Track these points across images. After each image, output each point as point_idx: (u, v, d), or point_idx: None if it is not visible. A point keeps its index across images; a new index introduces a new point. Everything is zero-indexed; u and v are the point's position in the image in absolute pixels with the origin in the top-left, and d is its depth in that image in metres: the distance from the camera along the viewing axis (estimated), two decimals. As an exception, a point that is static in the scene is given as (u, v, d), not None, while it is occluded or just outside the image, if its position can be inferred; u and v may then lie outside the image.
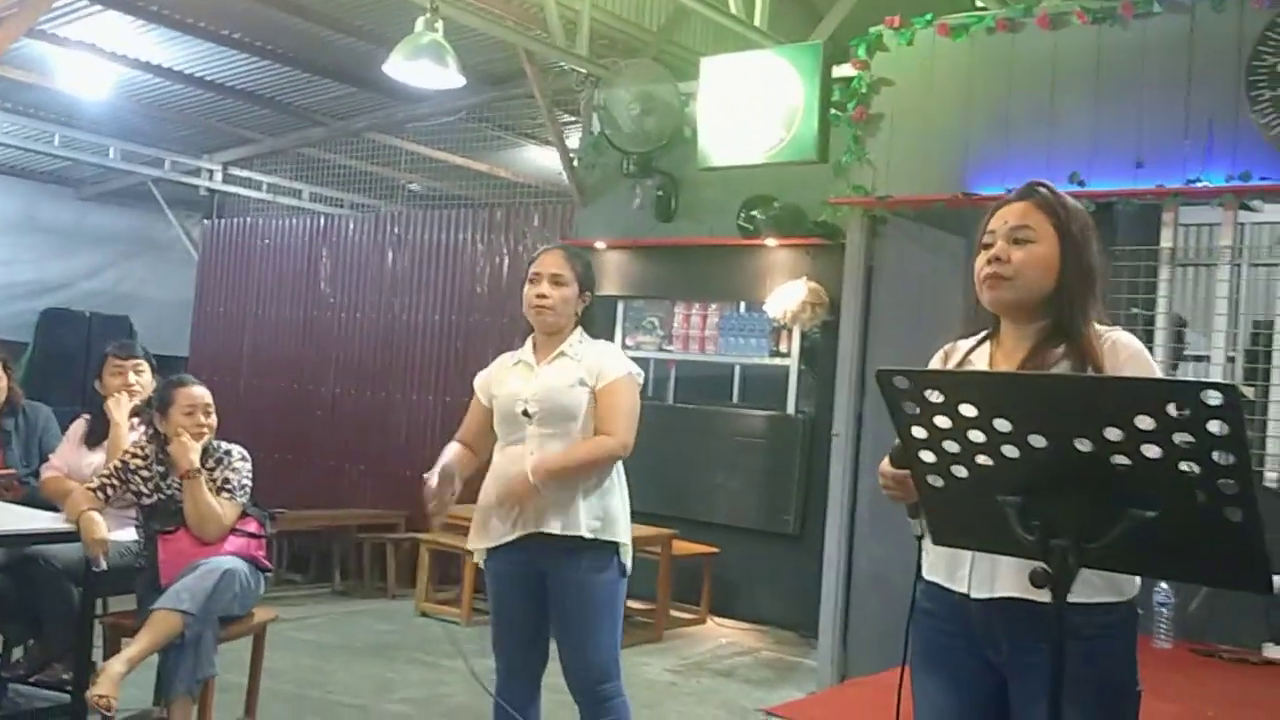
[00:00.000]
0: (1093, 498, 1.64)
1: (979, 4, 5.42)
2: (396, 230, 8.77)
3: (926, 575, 2.12)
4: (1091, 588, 1.95)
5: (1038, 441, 1.65)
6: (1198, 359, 4.81)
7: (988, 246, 2.11)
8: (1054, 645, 1.68)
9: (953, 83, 5.05)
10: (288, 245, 9.36)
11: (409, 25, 5.69)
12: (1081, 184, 4.64)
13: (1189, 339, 5.06)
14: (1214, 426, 1.50)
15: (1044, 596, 1.68)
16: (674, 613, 6.58)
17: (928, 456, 1.80)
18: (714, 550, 6.75)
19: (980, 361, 2.15)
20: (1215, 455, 1.52)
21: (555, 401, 3.06)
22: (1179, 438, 1.53)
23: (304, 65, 8.60)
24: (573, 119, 8.46)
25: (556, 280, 3.14)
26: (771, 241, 6.84)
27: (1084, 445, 1.61)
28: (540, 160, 10.14)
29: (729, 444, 7.07)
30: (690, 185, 7.18)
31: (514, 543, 3.07)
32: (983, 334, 2.18)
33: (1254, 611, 4.12)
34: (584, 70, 7.18)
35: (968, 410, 1.71)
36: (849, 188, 5.28)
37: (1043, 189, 2.14)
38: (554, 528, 3.02)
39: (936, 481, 1.82)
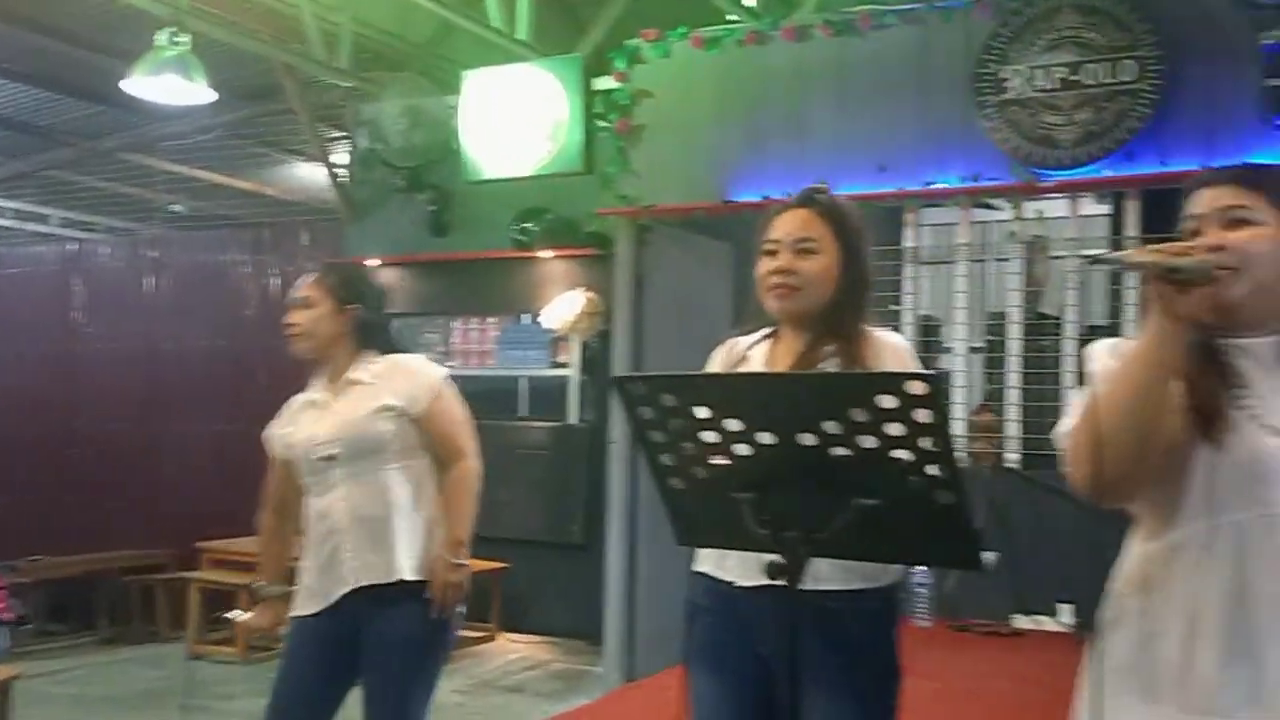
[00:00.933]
0: (819, 489, 1.70)
1: (731, 17, 5.59)
2: (156, 254, 8.34)
3: (698, 566, 2.16)
4: (851, 575, 2.02)
5: (766, 438, 1.70)
6: (944, 350, 5.09)
7: (771, 254, 2.14)
8: (788, 633, 1.74)
9: (709, 94, 5.19)
10: (35, 274, 8.76)
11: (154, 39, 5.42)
12: (830, 189, 4.82)
13: (945, 334, 5.34)
14: (920, 415, 1.58)
15: (807, 584, 1.73)
16: (463, 632, 6.47)
17: (667, 459, 1.83)
18: (503, 566, 6.70)
19: (758, 359, 2.19)
20: (923, 442, 1.60)
21: (358, 436, 2.76)
22: (890, 428, 1.60)
23: (44, 83, 8.06)
24: (340, 134, 8.26)
25: (304, 303, 2.85)
26: (546, 253, 6.87)
27: (807, 439, 1.67)
28: (310, 177, 9.85)
29: (514, 457, 7.03)
30: (463, 199, 7.13)
31: (328, 607, 2.77)
32: (765, 332, 2.23)
33: (1003, 586, 4.39)
34: (348, 84, 7.01)
35: (701, 412, 1.74)
36: (615, 198, 5.34)
37: (821, 196, 2.18)
38: (372, 576, 2.74)
39: (677, 483, 1.85)
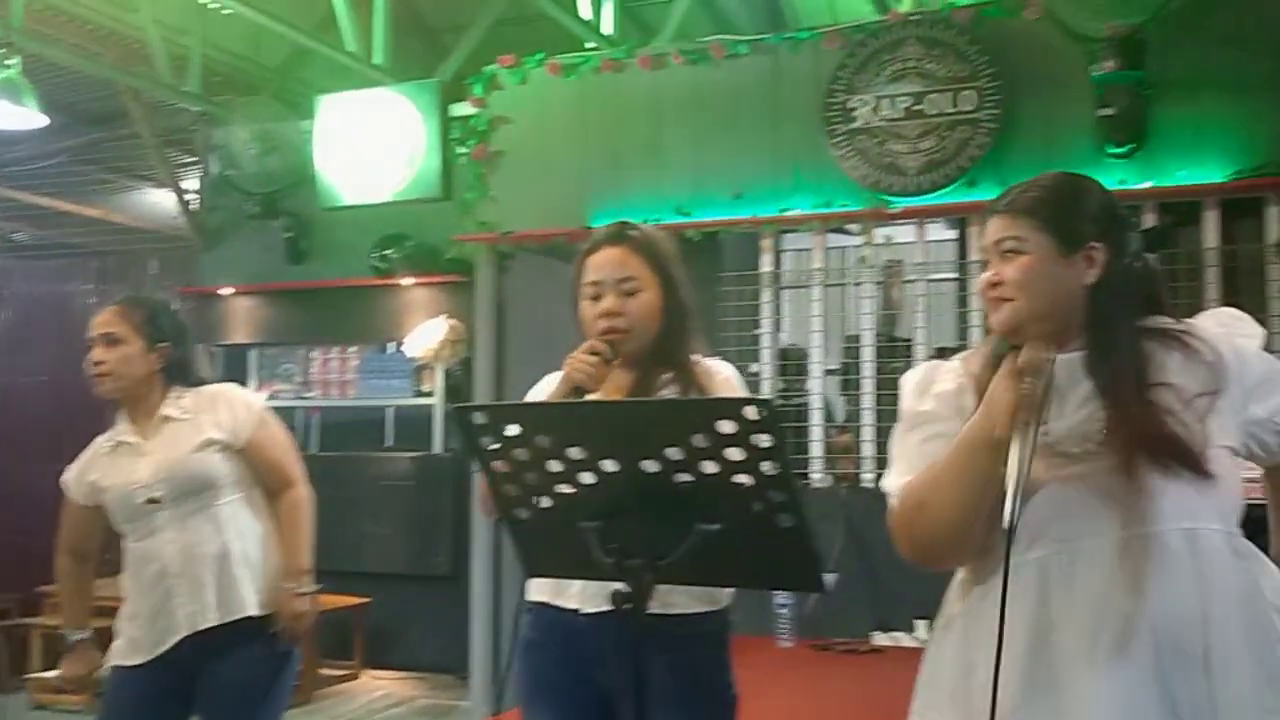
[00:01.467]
0: (663, 516, 1.69)
1: (589, 45, 5.62)
2: (-6, 284, 7.94)
3: (533, 596, 2.13)
4: (690, 598, 2.03)
5: (609, 466, 1.70)
6: (798, 373, 5.17)
7: (596, 298, 2.13)
8: (633, 665, 1.73)
9: (567, 120, 5.20)
10: None
11: (-15, 60, 5.16)
12: (687, 215, 4.89)
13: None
14: (759, 440, 1.59)
15: (652, 609, 1.73)
16: (325, 670, 6.31)
17: (511, 490, 1.81)
18: (365, 600, 6.54)
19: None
20: (764, 466, 1.62)
21: (184, 475, 2.67)
22: (731, 453, 1.61)
23: None
24: (191, 159, 8.01)
25: (109, 340, 2.70)
26: (407, 280, 6.77)
27: (651, 466, 1.67)
28: (159, 204, 9.50)
29: (377, 489, 6.90)
30: (321, 226, 6.98)
31: (155, 657, 2.64)
32: None
33: (862, 604, 4.47)
34: (197, 108, 6.81)
35: (543, 441, 1.73)
36: (474, 225, 5.30)
37: (634, 231, 2.19)
38: (212, 618, 2.64)
39: (522, 514, 1.83)
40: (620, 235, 2.16)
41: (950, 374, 1.73)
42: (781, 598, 4.38)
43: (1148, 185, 4.29)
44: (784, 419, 5.00)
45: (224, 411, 2.75)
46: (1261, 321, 4.14)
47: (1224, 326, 1.65)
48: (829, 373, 5.10)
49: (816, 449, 4.85)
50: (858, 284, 4.85)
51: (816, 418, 4.88)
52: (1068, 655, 1.52)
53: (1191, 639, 1.50)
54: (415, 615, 6.64)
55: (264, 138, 6.80)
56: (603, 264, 2.13)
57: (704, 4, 7.90)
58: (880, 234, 4.86)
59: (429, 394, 6.93)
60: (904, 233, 4.95)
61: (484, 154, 5.27)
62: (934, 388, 1.71)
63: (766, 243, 4.93)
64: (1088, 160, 4.38)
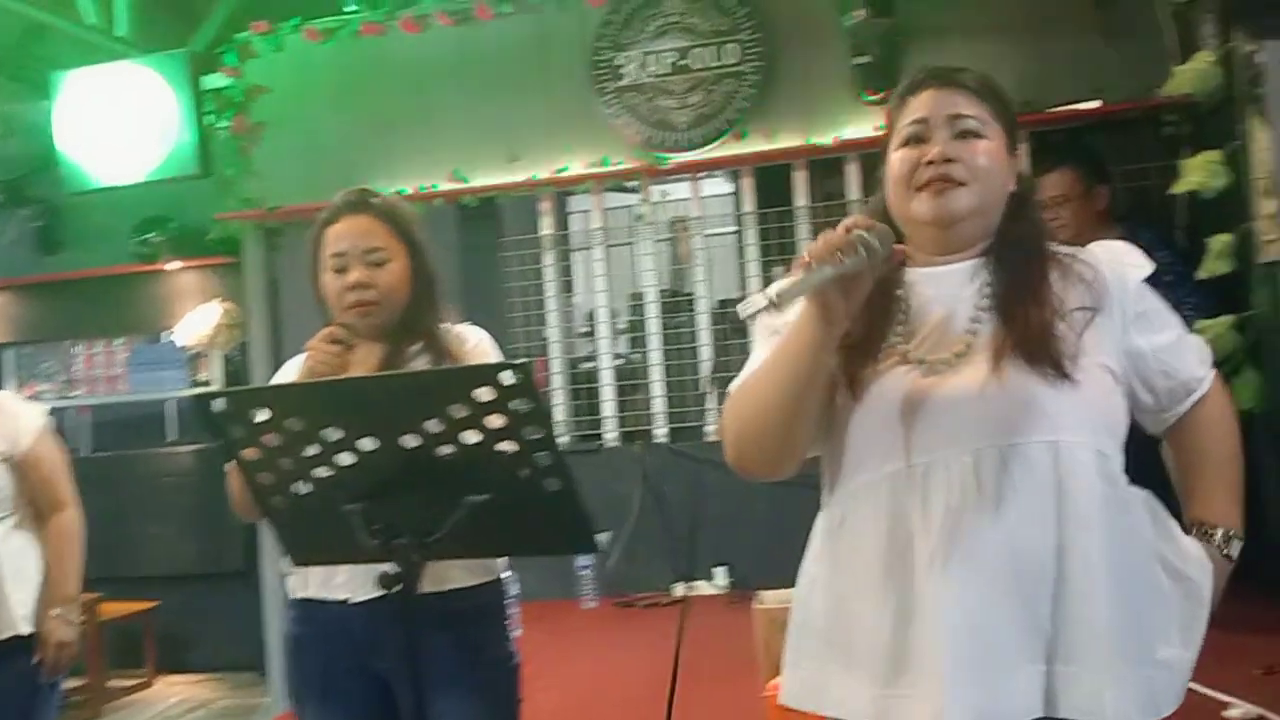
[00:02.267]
0: (429, 491, 1.64)
1: (349, 8, 5.40)
2: None
3: (296, 594, 2.04)
4: (465, 571, 1.99)
5: (368, 445, 1.63)
6: (585, 334, 5.17)
7: (340, 270, 2.04)
8: (409, 647, 1.68)
9: (330, 87, 4.99)
10: None
11: None
12: (464, 180, 4.79)
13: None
14: (518, 405, 1.55)
15: (425, 588, 1.67)
16: (114, 682, 5.96)
17: (266, 478, 1.72)
18: (154, 604, 6.21)
19: None
20: (526, 431, 1.58)
21: None
22: (491, 420, 1.57)
23: None
24: (-81, 147, 7.32)
25: None
26: (173, 265, 6.41)
27: (411, 441, 1.61)
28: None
29: (161, 487, 6.54)
30: (73, 212, 6.50)
31: None
32: None
33: (662, 557, 4.53)
34: (-82, 91, 6.22)
35: (296, 424, 1.65)
36: (238, 201, 5.05)
37: (376, 199, 2.11)
38: None
39: (280, 502, 1.74)
40: (362, 203, 2.07)
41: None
42: (582, 559, 4.39)
43: (903, 130, 4.44)
44: (579, 380, 5.01)
45: (5, 421, 2.64)
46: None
47: (1110, 254, 1.59)
48: (618, 332, 5.12)
49: (609, 409, 4.86)
50: (632, 243, 4.87)
51: (608, 377, 4.89)
52: (921, 571, 1.42)
53: (1046, 561, 1.41)
54: (209, 615, 6.35)
55: (2, 120, 6.28)
56: (346, 234, 2.04)
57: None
58: (657, 190, 4.88)
59: (206, 383, 6.60)
60: (681, 189, 4.99)
61: (243, 126, 5.01)
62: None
63: (545, 205, 4.88)
64: (847, 107, 4.51)
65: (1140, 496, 1.53)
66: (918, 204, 1.52)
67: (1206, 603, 1.52)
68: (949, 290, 1.52)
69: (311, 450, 1.65)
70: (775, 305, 1.35)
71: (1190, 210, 3.81)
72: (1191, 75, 3.30)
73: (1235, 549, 1.57)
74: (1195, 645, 1.50)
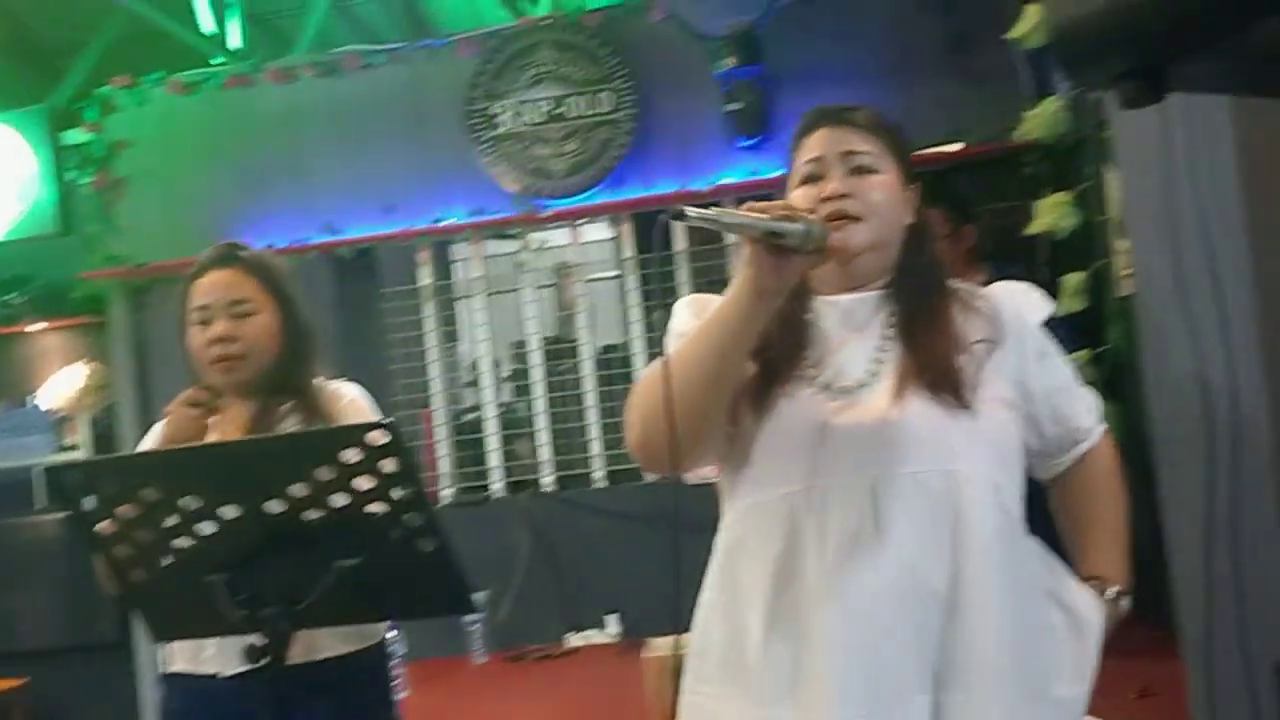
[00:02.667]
0: (297, 558, 1.59)
1: (217, 61, 5.31)
2: None
3: (168, 668, 1.96)
4: (338, 639, 1.93)
5: (230, 512, 1.58)
6: (469, 384, 5.12)
7: (205, 324, 2.00)
8: (283, 715, 1.62)
9: (196, 141, 4.88)
10: None
11: None
12: (338, 232, 4.72)
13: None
14: (387, 465, 1.52)
15: (298, 658, 1.61)
16: (-21, 768, 5.63)
17: (123, 551, 1.64)
18: (22, 682, 5.89)
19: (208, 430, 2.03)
20: (396, 492, 1.54)
21: None
22: (360, 482, 1.53)
23: None
24: None
25: None
26: (36, 326, 6.15)
27: (276, 507, 1.56)
28: None
29: (29, 557, 6.22)
30: (-74, 273, 6.21)
31: None
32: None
33: (553, 608, 4.48)
34: None
35: (150, 493, 1.59)
36: (103, 259, 4.89)
37: (244, 253, 2.08)
38: None
39: (140, 575, 1.67)
40: (228, 257, 2.04)
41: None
42: (473, 614, 4.31)
43: (778, 174, 4.51)
44: (464, 431, 4.95)
45: None
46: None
47: (1010, 292, 1.62)
48: (502, 380, 5.07)
49: (495, 459, 4.80)
50: (514, 290, 4.85)
51: (493, 427, 4.83)
52: (812, 598, 1.42)
53: (939, 590, 1.41)
54: (82, 690, 6.04)
55: None
56: (211, 288, 2.01)
57: (342, 13, 7.68)
58: (537, 238, 4.87)
59: (74, 447, 6.32)
60: (561, 235, 5.00)
61: (106, 182, 4.86)
62: (708, 311, 1.53)
63: (424, 255, 4.82)
64: (721, 153, 4.57)
65: (1021, 526, 1.52)
66: None
67: (1097, 641, 1.52)
68: (856, 320, 1.54)
69: (170, 520, 1.59)
70: (712, 222, 1.33)
71: (1050, 249, 3.96)
72: (1041, 119, 3.43)
73: (1126, 604, 1.58)
74: (1087, 683, 1.50)
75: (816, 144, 1.56)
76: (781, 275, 1.38)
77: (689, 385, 1.42)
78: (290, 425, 1.98)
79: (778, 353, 1.50)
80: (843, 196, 1.50)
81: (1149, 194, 2.34)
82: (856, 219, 1.50)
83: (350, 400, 2.05)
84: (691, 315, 1.58)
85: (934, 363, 1.47)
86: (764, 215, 1.35)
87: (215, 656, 1.90)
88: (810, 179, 1.54)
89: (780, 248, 1.36)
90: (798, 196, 1.54)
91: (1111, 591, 1.56)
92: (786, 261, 1.37)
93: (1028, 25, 3.15)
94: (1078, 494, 1.64)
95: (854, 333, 1.53)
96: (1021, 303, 1.60)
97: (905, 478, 1.42)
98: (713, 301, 1.51)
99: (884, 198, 1.53)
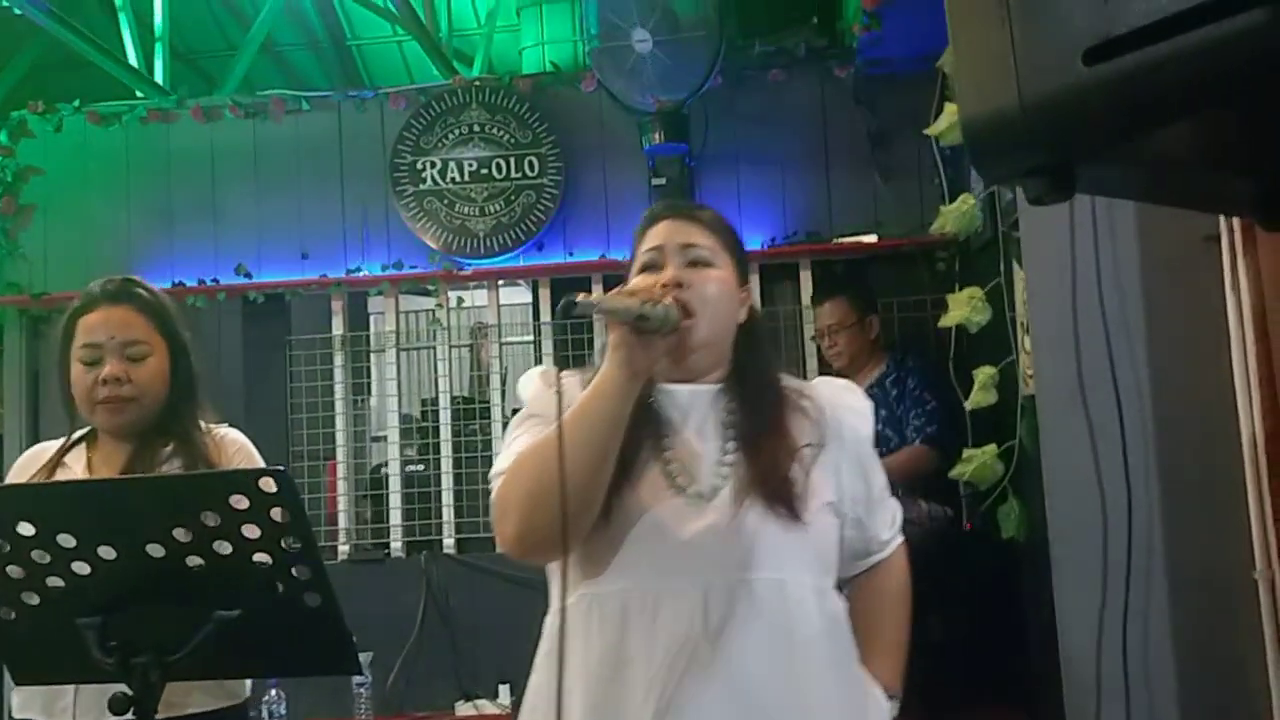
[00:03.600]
0: (174, 605, 1.53)
1: (140, 95, 5.23)
2: None
3: (19, 714, 1.86)
4: (205, 694, 1.86)
5: (108, 553, 1.51)
6: (376, 439, 5.03)
7: (93, 363, 1.93)
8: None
9: (110, 172, 4.78)
10: None
11: None
12: (249, 276, 4.64)
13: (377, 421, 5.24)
14: (277, 514, 1.47)
15: (160, 713, 1.53)
16: None
17: (-10, 587, 1.56)
18: None
19: (76, 465, 1.95)
20: (284, 542, 1.50)
21: None
22: (247, 530, 1.48)
23: None
24: None
25: None
26: (-77, 350, 5.91)
27: (156, 551, 1.50)
28: None
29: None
30: None
31: None
32: (77, 435, 1.99)
33: (446, 673, 4.38)
34: None
35: (25, 528, 1.51)
36: (2, 285, 4.74)
37: (141, 290, 2.01)
38: None
39: (7, 614, 1.59)
40: (125, 293, 1.97)
41: (572, 378, 1.60)
42: (359, 676, 4.19)
43: (699, 250, 4.56)
44: (367, 486, 4.85)
45: None
46: (804, 374, 4.47)
47: (834, 391, 1.68)
48: (409, 438, 4.99)
49: (396, 516, 4.71)
50: (429, 347, 4.80)
51: (396, 484, 4.75)
52: (637, 696, 1.43)
53: (773, 696, 1.45)
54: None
55: None
56: (102, 324, 1.93)
57: (272, 58, 7.66)
58: (454, 296, 4.84)
59: (-47, 479, 6.07)
60: (479, 295, 4.97)
61: (12, 207, 4.73)
62: (554, 385, 1.54)
63: (338, 304, 4.76)
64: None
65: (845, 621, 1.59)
66: None
67: None
68: (695, 414, 1.57)
69: (42, 558, 1.52)
70: (596, 307, 1.42)
71: (963, 342, 4.05)
72: (955, 216, 3.53)
73: (895, 708, 1.64)
74: None
75: (658, 235, 1.61)
76: (648, 354, 1.45)
77: (576, 469, 1.42)
78: (170, 469, 1.91)
79: (627, 440, 1.49)
80: (679, 285, 1.54)
81: (1053, 296, 2.41)
82: (690, 314, 1.52)
83: (239, 448, 2.00)
84: (545, 387, 1.60)
85: (772, 476, 1.51)
86: (633, 301, 1.43)
87: (71, 705, 1.81)
88: (649, 267, 1.59)
89: (644, 330, 1.43)
90: (636, 283, 1.57)
91: (884, 695, 1.63)
92: (650, 342, 1.44)
93: (945, 123, 3.25)
94: (869, 602, 1.69)
95: (697, 429, 1.56)
96: (844, 403, 1.66)
97: (737, 585, 1.46)
98: (565, 378, 1.53)
99: (718, 292, 1.57)
